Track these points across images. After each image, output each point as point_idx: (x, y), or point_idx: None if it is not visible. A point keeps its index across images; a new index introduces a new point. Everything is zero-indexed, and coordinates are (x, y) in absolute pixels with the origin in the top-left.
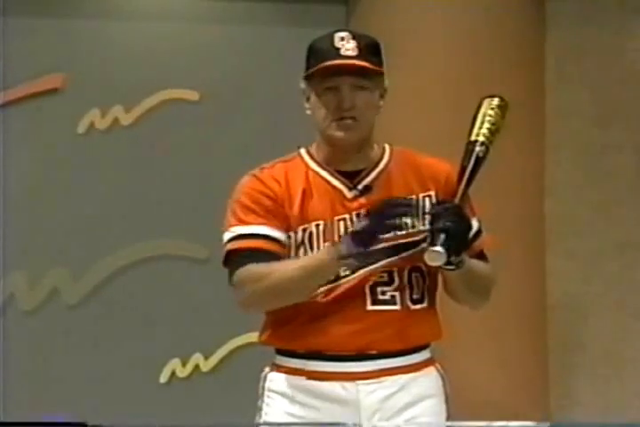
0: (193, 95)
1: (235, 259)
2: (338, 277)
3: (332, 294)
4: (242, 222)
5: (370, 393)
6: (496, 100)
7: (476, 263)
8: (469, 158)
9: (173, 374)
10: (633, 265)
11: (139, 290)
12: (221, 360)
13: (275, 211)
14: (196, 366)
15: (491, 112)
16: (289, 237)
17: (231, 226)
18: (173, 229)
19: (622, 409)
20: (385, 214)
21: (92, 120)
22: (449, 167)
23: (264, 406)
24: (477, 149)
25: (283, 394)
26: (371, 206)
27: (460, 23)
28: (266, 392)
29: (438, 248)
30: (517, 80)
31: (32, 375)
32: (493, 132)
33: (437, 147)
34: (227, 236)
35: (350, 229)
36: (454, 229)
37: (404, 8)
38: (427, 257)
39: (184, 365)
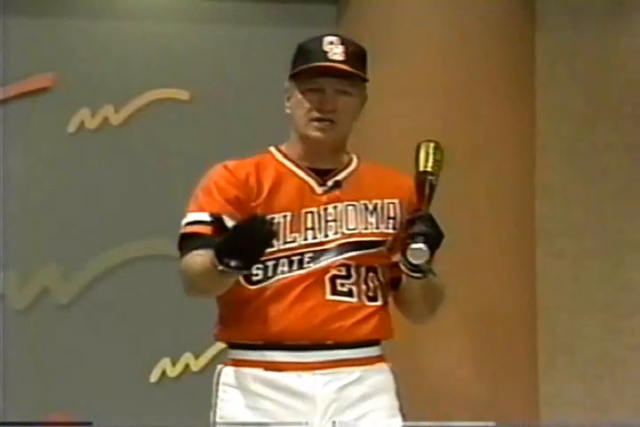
0: (183, 95)
1: (184, 244)
2: (300, 266)
3: (290, 282)
4: (199, 209)
5: (326, 384)
6: (433, 144)
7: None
8: (424, 185)
9: (164, 373)
10: (623, 264)
11: (129, 289)
12: (212, 360)
13: (236, 201)
14: (187, 366)
15: (433, 151)
16: None
17: (189, 211)
18: (163, 228)
19: (613, 409)
20: (256, 229)
21: (82, 119)
22: (411, 181)
23: (219, 402)
24: (430, 177)
25: (238, 387)
26: (338, 200)
27: (451, 23)
28: (220, 387)
29: (422, 245)
30: (508, 80)
31: (23, 374)
32: (439, 166)
33: None
34: (184, 221)
35: (217, 242)
36: (431, 233)
37: (395, 9)
38: (410, 255)
39: (174, 364)
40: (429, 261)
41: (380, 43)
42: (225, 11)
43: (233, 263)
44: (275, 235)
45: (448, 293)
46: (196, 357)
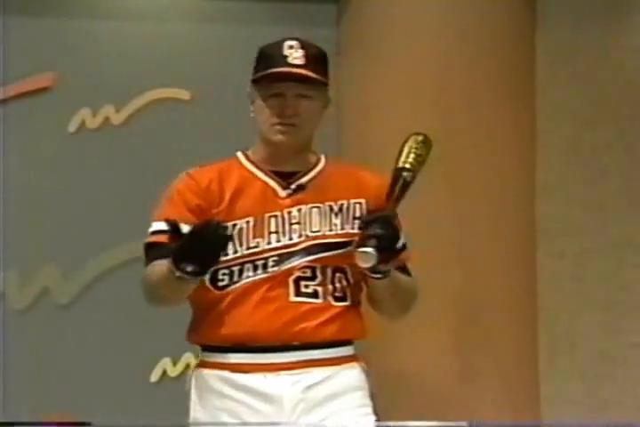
0: (184, 94)
1: (148, 253)
2: (265, 270)
3: (254, 285)
4: (162, 218)
5: (293, 384)
6: (421, 137)
7: (399, 275)
8: (397, 182)
9: (164, 373)
10: (624, 264)
11: (129, 289)
12: None
13: (197, 209)
14: (187, 366)
15: (416, 146)
16: None
17: (153, 221)
18: None
19: (613, 409)
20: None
21: (82, 119)
22: (380, 181)
23: (191, 404)
24: (405, 174)
25: (208, 389)
26: (300, 204)
27: (451, 22)
28: (192, 390)
29: (370, 249)
30: (508, 80)
31: (23, 374)
32: (420, 162)
33: None
34: (149, 230)
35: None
36: (385, 235)
37: (395, 8)
38: (358, 258)
39: (175, 364)
40: (386, 263)
41: (380, 42)
42: (225, 11)
43: (189, 268)
44: (230, 238)
45: (449, 292)
46: (197, 356)
